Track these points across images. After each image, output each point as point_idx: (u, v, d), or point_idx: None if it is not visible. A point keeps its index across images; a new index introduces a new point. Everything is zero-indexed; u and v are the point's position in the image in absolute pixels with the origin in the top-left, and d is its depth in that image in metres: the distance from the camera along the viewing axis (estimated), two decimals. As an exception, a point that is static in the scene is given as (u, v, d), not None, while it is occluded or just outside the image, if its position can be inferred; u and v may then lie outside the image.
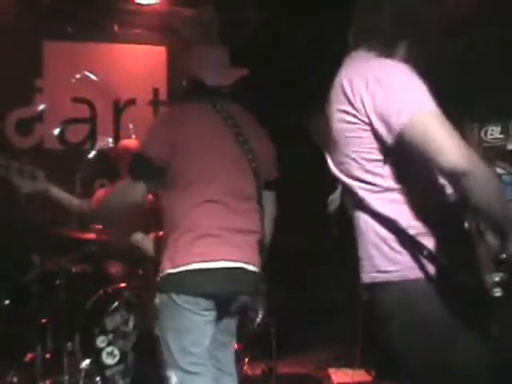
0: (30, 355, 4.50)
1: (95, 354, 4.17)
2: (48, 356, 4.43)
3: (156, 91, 6.31)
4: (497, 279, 1.90)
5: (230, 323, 3.01)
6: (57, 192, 3.13)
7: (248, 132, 3.02)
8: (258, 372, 4.90)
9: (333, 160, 2.30)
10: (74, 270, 4.63)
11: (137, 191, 2.89)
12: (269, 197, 3.15)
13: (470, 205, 1.97)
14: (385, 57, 2.13)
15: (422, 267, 2.06)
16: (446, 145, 1.92)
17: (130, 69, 6.27)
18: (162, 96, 6.30)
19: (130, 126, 5.99)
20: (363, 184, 2.17)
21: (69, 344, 4.31)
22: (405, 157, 2.03)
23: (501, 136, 3.87)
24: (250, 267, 2.90)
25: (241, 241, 2.89)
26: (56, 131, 6.02)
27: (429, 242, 2.06)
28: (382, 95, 2.02)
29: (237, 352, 4.65)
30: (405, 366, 2.23)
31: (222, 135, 2.97)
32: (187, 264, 2.80)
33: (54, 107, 6.03)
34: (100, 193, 4.73)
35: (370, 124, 2.07)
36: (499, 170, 2.96)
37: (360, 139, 2.12)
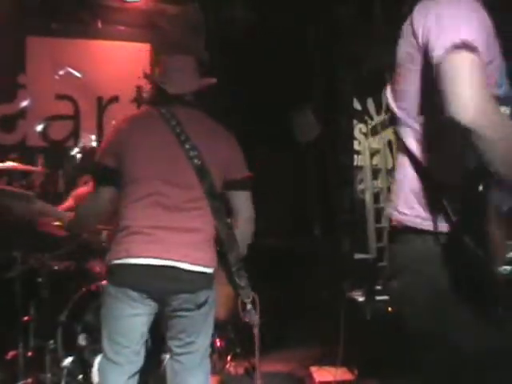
0: (11, 353, 4.48)
1: (77, 351, 4.17)
2: (30, 354, 4.40)
3: (139, 89, 6.28)
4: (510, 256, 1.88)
5: (187, 323, 3.07)
6: (44, 206, 3.45)
7: (197, 133, 3.12)
8: (240, 370, 4.91)
9: (392, 92, 2.27)
10: (56, 267, 4.62)
11: (101, 198, 3.15)
12: (240, 196, 3.25)
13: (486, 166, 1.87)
14: None
15: (435, 222, 2.04)
16: (457, 93, 1.83)
17: (113, 66, 6.25)
18: (146, 93, 6.27)
19: (113, 123, 5.97)
20: (409, 120, 2.16)
21: (51, 342, 4.30)
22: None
23: None
24: (186, 265, 2.96)
25: (176, 239, 2.98)
26: (39, 128, 6.00)
27: (447, 200, 2.02)
28: (434, 29, 1.97)
29: (219, 350, 4.70)
30: (404, 320, 2.22)
31: (163, 138, 3.10)
32: (116, 259, 2.98)
33: (37, 104, 6.01)
34: (80, 190, 4.77)
35: (424, 57, 2.03)
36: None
37: (417, 73, 2.10)
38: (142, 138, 3.10)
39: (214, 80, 3.29)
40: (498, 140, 1.83)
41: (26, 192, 3.45)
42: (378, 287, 5.33)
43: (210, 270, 3.05)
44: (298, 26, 6.30)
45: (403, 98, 2.19)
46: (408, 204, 2.14)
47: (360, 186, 7.33)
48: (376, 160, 7.44)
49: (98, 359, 3.06)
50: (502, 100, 2.03)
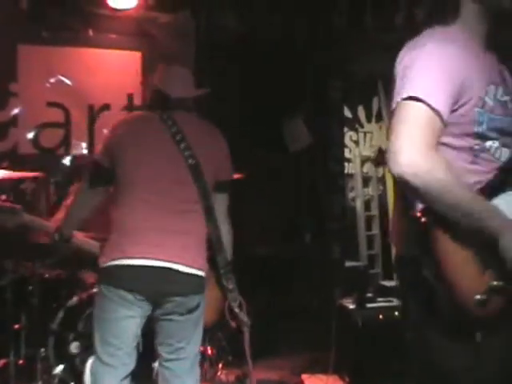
0: (2, 361, 4.46)
1: (69, 359, 4.16)
2: (21, 362, 4.38)
3: (130, 97, 6.27)
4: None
5: (177, 327, 3.11)
6: (31, 219, 3.57)
7: (192, 134, 3.18)
8: (232, 378, 4.91)
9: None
10: (47, 275, 4.61)
11: (93, 197, 3.26)
12: (220, 198, 3.29)
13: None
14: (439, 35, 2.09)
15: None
16: (391, 142, 1.94)
17: (104, 74, 6.24)
18: (137, 101, 6.26)
19: (105, 131, 5.96)
20: None
21: (42, 350, 4.28)
22: None
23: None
24: (180, 267, 3.01)
25: (171, 240, 3.03)
26: (30, 135, 5.99)
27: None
28: (399, 80, 2.05)
29: (210, 358, 4.70)
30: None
31: (158, 137, 3.17)
32: (111, 259, 3.01)
33: (28, 112, 6.00)
34: (73, 188, 4.78)
35: None
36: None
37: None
38: (137, 139, 3.15)
39: (207, 90, 3.40)
40: (434, 194, 1.90)
41: (13, 205, 3.50)
42: (369, 294, 5.35)
43: (202, 273, 3.10)
44: (288, 34, 6.32)
45: None
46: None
47: (351, 194, 7.37)
48: (367, 168, 7.48)
49: (89, 362, 3.06)
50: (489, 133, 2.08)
